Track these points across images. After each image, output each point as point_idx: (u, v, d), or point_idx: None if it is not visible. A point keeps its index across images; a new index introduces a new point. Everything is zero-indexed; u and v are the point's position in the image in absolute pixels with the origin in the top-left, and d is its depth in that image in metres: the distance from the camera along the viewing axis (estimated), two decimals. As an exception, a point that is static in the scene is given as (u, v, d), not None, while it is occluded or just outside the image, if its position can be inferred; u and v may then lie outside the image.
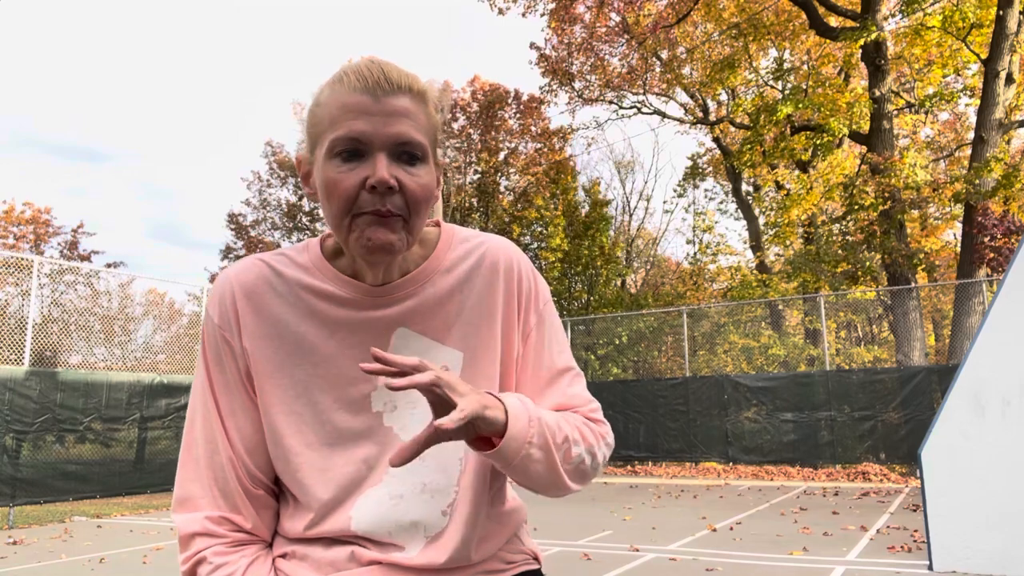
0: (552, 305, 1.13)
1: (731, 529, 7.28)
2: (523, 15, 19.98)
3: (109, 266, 22.88)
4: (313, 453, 0.99)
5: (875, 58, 14.67)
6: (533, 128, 23.15)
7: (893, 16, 15.66)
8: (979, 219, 13.30)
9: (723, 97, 22.15)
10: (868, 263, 15.40)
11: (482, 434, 0.91)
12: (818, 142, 15.90)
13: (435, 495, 1.00)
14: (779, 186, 19.92)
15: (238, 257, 25.74)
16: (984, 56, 13.79)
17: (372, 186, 0.90)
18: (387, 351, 0.98)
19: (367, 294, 1.00)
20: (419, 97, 0.95)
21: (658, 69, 21.50)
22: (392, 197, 0.91)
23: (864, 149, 16.37)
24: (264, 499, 1.03)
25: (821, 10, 15.35)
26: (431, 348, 1.02)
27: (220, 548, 0.99)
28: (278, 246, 25.27)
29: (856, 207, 14.77)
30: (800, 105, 15.14)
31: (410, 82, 0.94)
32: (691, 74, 21.23)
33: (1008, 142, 15.00)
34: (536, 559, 1.15)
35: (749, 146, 16.50)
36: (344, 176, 0.91)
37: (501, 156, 22.98)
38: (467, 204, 22.78)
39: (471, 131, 22.68)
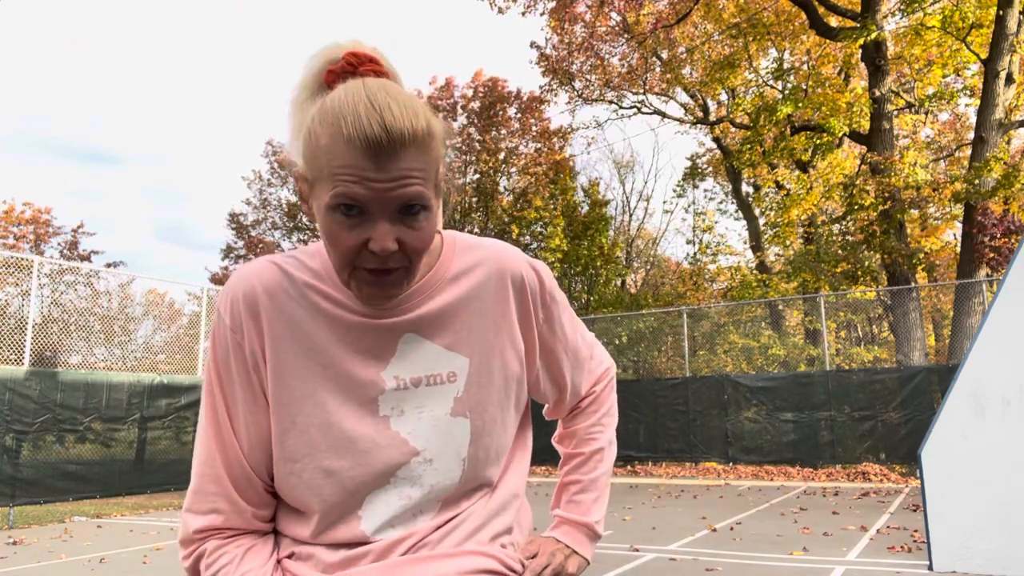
0: (560, 294, 1.15)
1: (731, 529, 7.28)
2: (523, 14, 19.98)
3: (109, 266, 22.87)
4: (320, 455, 0.99)
5: (875, 58, 14.67)
6: (533, 128, 23.13)
7: (893, 16, 15.65)
8: (979, 219, 13.30)
9: (723, 97, 22.14)
10: (868, 263, 15.40)
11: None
12: (818, 142, 15.91)
13: (441, 496, 1.03)
14: (779, 186, 19.90)
15: (239, 257, 25.66)
16: (984, 56, 13.78)
17: (372, 251, 0.90)
18: (393, 355, 1.01)
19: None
20: (424, 140, 0.90)
21: (658, 69, 21.49)
22: (394, 256, 0.91)
23: (864, 149, 16.36)
24: (265, 497, 1.05)
25: (821, 10, 15.35)
26: (438, 354, 1.03)
27: (217, 541, 1.02)
28: (278, 246, 25.28)
29: (856, 207, 14.76)
30: (800, 105, 15.13)
31: (414, 127, 0.88)
32: (691, 74, 21.22)
33: (1008, 142, 15.00)
34: None
35: (749, 146, 16.49)
36: (345, 234, 0.90)
37: (501, 156, 22.95)
38: (466, 204, 22.75)
39: (471, 131, 22.64)
